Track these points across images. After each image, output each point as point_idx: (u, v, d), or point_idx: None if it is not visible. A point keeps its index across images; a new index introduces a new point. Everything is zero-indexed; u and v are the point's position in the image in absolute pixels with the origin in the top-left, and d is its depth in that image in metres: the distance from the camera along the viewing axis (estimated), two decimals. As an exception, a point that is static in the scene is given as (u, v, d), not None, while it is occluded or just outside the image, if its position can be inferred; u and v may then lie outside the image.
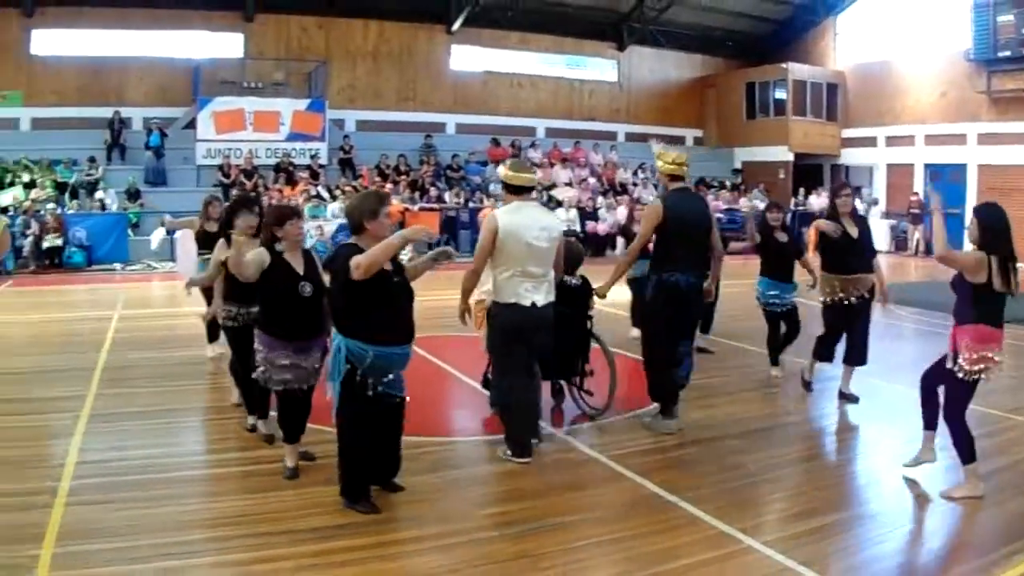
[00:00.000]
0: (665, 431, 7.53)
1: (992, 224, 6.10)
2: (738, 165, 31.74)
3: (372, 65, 28.90)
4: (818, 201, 27.97)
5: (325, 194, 23.94)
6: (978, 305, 6.12)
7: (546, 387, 7.83)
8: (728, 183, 29.73)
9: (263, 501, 5.94)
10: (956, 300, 6.24)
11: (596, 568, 5.06)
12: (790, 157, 29.68)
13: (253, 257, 6.05)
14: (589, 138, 30.38)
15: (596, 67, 31.90)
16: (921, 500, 6.18)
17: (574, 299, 7.68)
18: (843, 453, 7.59)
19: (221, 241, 7.42)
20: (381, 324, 5.51)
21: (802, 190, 29.03)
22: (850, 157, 30.20)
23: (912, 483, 6.39)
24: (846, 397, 8.71)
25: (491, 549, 5.20)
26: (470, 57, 30.14)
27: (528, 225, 6.55)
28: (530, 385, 6.93)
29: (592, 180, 27.74)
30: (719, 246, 7.79)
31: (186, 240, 11.05)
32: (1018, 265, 6.02)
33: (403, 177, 25.58)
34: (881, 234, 27.09)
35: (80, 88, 25.47)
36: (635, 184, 28.02)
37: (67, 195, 22.33)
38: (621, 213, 22.94)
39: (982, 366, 6.06)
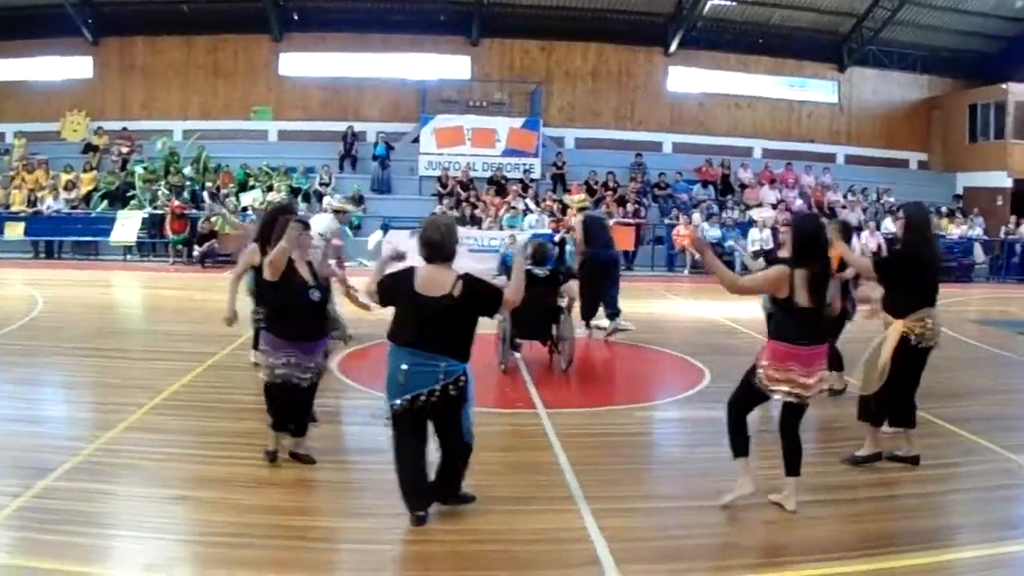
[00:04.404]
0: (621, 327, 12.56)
1: (801, 236, 6.03)
2: (960, 191, 30.50)
3: (591, 86, 30.27)
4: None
5: (532, 206, 25.41)
6: (778, 321, 6.12)
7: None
8: (944, 209, 28.64)
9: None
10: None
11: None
12: (1009, 183, 28.43)
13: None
14: (807, 160, 30.12)
15: (816, 88, 31.59)
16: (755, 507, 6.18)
17: (544, 284, 10.45)
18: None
19: (254, 246, 7.82)
20: None
21: (1013, 217, 27.49)
22: (1081, 183, 28.34)
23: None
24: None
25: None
26: (688, 78, 30.80)
27: None
28: None
29: (799, 202, 27.63)
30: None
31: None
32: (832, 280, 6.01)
33: (609, 193, 26.71)
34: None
35: (321, 104, 28.79)
36: (843, 207, 27.58)
37: (299, 198, 25.01)
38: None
39: (781, 386, 5.95)
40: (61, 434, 7.36)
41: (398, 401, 5.57)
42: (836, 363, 9.54)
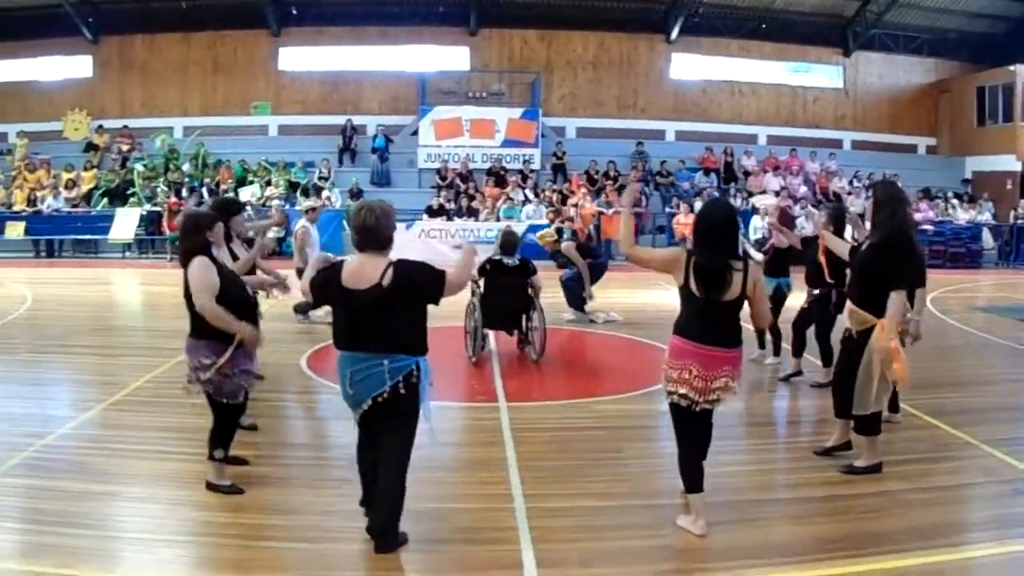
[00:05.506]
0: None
1: (699, 223, 5.55)
2: (968, 175, 30.03)
3: (592, 75, 30.07)
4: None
5: (531, 196, 25.22)
6: (681, 313, 5.57)
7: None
8: (951, 194, 28.11)
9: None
10: None
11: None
12: (1018, 167, 27.91)
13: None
14: (813, 145, 29.68)
15: (821, 73, 31.27)
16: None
17: (514, 273, 10.53)
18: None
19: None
20: None
21: (1023, 202, 26.90)
22: (1096, 167, 27.74)
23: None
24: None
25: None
26: (690, 65, 30.60)
27: None
28: None
29: (804, 188, 27.25)
30: None
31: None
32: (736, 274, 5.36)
33: (610, 182, 26.44)
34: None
35: (321, 98, 28.82)
36: (849, 193, 27.18)
37: (298, 193, 24.93)
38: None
39: (676, 388, 5.41)
40: (12, 431, 7.28)
41: (357, 412, 5.18)
42: (826, 359, 9.34)
